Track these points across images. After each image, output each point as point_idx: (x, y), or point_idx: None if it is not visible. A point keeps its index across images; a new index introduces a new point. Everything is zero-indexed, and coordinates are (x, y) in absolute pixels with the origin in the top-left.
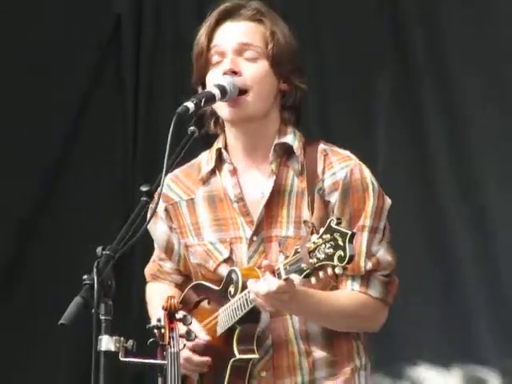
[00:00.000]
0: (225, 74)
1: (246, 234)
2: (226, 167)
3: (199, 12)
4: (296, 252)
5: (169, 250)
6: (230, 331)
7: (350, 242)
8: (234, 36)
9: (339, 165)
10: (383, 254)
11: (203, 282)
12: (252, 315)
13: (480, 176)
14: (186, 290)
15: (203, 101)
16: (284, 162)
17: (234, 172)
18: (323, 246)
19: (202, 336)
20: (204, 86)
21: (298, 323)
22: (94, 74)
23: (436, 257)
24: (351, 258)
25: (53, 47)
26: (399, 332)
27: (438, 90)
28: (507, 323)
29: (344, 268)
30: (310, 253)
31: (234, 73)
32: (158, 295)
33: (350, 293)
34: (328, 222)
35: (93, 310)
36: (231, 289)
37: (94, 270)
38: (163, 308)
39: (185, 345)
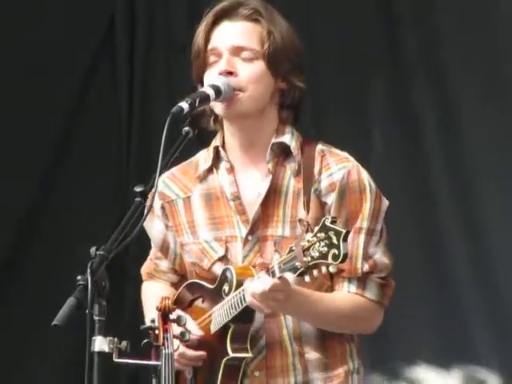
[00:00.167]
0: (220, 74)
1: (241, 233)
2: (223, 165)
3: (191, 12)
4: (290, 250)
5: (164, 248)
6: (223, 330)
7: (345, 240)
8: (230, 37)
9: (336, 166)
10: (380, 256)
11: (197, 281)
12: (246, 314)
13: (474, 174)
14: (180, 289)
15: (197, 101)
16: (281, 161)
17: (231, 170)
18: (318, 244)
19: (195, 331)
20: (203, 85)
21: (292, 324)
22: (88, 74)
23: (431, 255)
24: (345, 256)
25: (46, 47)
26: (395, 331)
27: (432, 89)
28: (503, 321)
29: (340, 270)
30: (304, 251)
31: (230, 73)
32: (153, 295)
33: (346, 294)
34: (323, 220)
35: (87, 311)
36: (225, 287)
37: (88, 271)
38: (157, 309)
39: (179, 346)
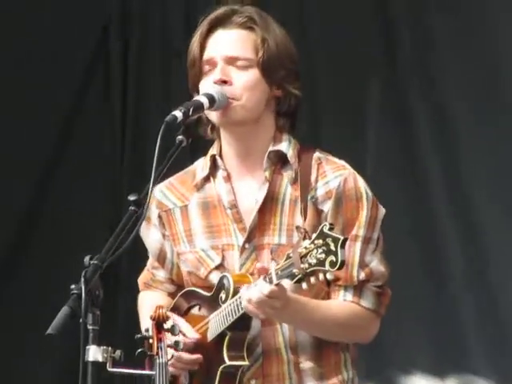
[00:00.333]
0: (215, 83)
1: (238, 241)
2: (220, 174)
3: (187, 14)
4: (288, 257)
5: (161, 258)
6: (220, 337)
7: (342, 247)
8: (224, 46)
9: (333, 174)
10: (376, 264)
11: (194, 289)
12: (243, 322)
13: (470, 176)
14: (176, 297)
15: (191, 110)
16: (278, 169)
17: (228, 178)
18: (315, 251)
19: (191, 335)
20: (199, 93)
21: (288, 332)
22: (84, 76)
23: (426, 261)
24: (342, 263)
25: (43, 49)
26: (390, 341)
27: (428, 92)
28: (498, 330)
29: (336, 278)
30: (301, 258)
31: (224, 82)
32: (149, 304)
33: (342, 303)
34: (321, 227)
35: (80, 320)
36: (222, 295)
37: (82, 280)
38: (151, 318)
39: (173, 355)
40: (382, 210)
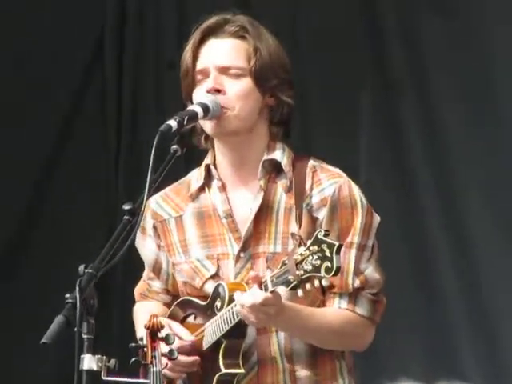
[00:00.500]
0: (208, 92)
1: (233, 250)
2: (215, 183)
3: (181, 26)
4: (283, 264)
5: (157, 269)
6: (216, 346)
7: (338, 253)
8: (217, 56)
9: (328, 181)
10: (371, 271)
11: (190, 298)
12: (238, 330)
13: (460, 191)
14: (172, 307)
15: (186, 119)
16: (273, 178)
17: (222, 188)
18: (310, 257)
19: (186, 337)
20: (192, 103)
21: (284, 340)
22: (82, 79)
23: (417, 270)
24: (338, 269)
25: (39, 55)
26: (382, 349)
27: (418, 103)
28: (489, 339)
29: (331, 286)
30: (297, 265)
31: (218, 91)
32: (145, 313)
33: (337, 310)
34: (316, 233)
35: (75, 329)
36: (218, 303)
37: (77, 289)
38: (145, 327)
39: (167, 364)
40: (377, 218)
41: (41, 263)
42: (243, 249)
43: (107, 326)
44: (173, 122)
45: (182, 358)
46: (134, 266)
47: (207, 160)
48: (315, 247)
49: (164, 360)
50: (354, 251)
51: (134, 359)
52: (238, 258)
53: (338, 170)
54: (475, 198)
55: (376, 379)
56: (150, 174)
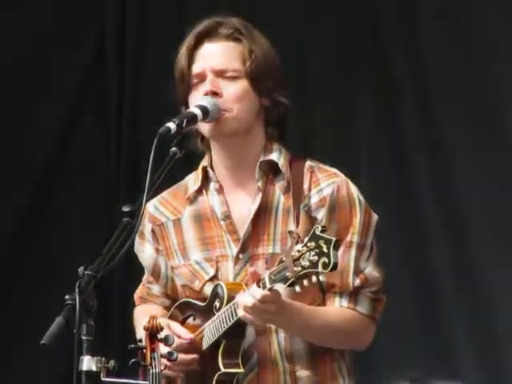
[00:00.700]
0: (206, 94)
1: (232, 252)
2: (213, 186)
3: (181, 27)
4: (281, 261)
5: (156, 273)
6: (215, 346)
7: (335, 248)
8: (213, 59)
9: (326, 181)
10: (371, 270)
11: (189, 300)
12: (237, 329)
13: (461, 189)
14: (171, 309)
15: (185, 121)
16: (270, 179)
17: (220, 190)
18: (308, 253)
19: (185, 335)
20: (187, 107)
21: (284, 341)
22: (82, 79)
23: (417, 270)
24: (335, 264)
25: (37, 64)
26: (379, 352)
27: (420, 110)
28: (486, 345)
29: (331, 285)
30: (294, 261)
31: (215, 94)
32: (145, 316)
33: (338, 309)
34: (313, 229)
35: (74, 330)
36: (217, 303)
37: (76, 290)
38: (145, 328)
39: (166, 365)
40: (375, 217)
41: (41, 263)
42: (242, 250)
43: (107, 327)
44: (172, 125)
45: (182, 356)
46: (134, 266)
47: (204, 162)
48: (312, 243)
49: (163, 361)
50: (353, 250)
51: (133, 360)
52: (236, 260)
53: (335, 170)
54: (475, 197)
55: (375, 380)
56: (149, 176)
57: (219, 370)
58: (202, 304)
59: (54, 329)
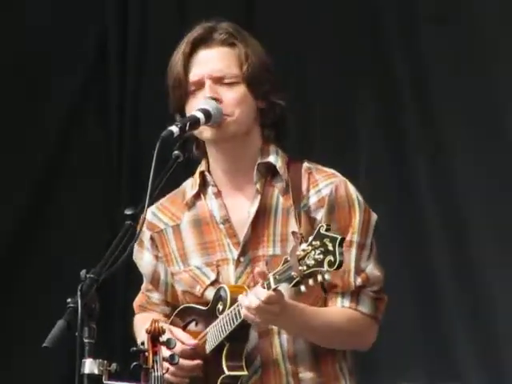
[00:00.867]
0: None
1: (232, 255)
2: (211, 190)
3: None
4: (285, 261)
5: (155, 280)
6: (218, 349)
7: (340, 246)
8: (210, 66)
9: (324, 182)
10: (372, 269)
11: (190, 305)
12: (241, 332)
13: (461, 188)
14: (172, 317)
15: (188, 125)
16: (269, 181)
17: (218, 194)
18: (313, 252)
19: (188, 341)
20: (182, 115)
21: (286, 343)
22: (82, 79)
23: (417, 270)
24: (341, 263)
25: (39, 66)
26: (379, 354)
27: (420, 110)
28: (488, 338)
29: (333, 286)
30: (299, 260)
31: (215, 100)
32: (145, 323)
33: (340, 309)
34: (318, 228)
35: (76, 333)
36: (220, 306)
37: (78, 294)
38: (147, 331)
39: (168, 368)
40: (374, 216)
41: (41, 263)
42: (242, 253)
43: (109, 330)
44: (174, 128)
45: (186, 362)
46: (136, 270)
47: (201, 167)
48: (317, 242)
49: (165, 364)
50: (354, 250)
51: (135, 363)
52: (237, 263)
53: (332, 171)
54: (475, 197)
55: (375, 380)
56: (152, 180)
57: (223, 373)
58: (205, 308)
59: (56, 332)
